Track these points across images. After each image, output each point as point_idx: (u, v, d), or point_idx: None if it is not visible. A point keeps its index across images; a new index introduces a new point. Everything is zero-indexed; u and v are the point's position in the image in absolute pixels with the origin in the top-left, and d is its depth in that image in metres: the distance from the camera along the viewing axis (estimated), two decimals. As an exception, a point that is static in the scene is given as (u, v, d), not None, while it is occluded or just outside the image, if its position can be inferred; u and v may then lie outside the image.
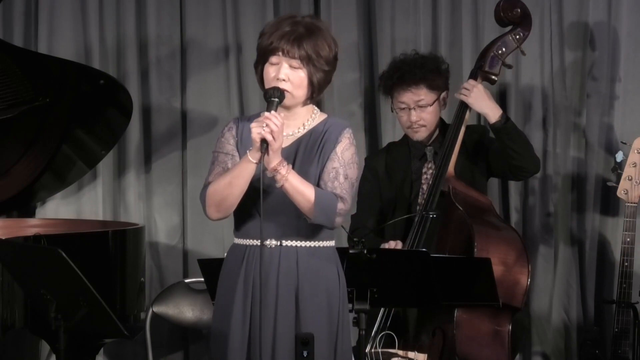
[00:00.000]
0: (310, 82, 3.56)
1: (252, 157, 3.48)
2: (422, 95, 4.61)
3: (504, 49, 4.65)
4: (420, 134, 4.66)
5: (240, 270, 3.61)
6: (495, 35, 4.76)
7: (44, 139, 5.02)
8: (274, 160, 3.47)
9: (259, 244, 3.58)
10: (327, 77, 3.61)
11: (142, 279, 4.94)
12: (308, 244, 3.60)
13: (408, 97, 4.61)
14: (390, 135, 5.20)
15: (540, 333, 5.24)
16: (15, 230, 5.03)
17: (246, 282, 3.59)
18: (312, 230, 3.59)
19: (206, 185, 3.61)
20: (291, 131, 3.60)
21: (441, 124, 4.71)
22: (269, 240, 3.57)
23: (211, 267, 4.17)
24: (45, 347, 5.26)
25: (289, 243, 3.59)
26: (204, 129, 5.43)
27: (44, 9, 5.33)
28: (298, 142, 3.61)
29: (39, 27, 5.34)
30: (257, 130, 3.43)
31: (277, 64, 3.55)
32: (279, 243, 3.58)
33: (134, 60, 5.40)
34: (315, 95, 3.61)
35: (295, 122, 3.62)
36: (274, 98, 3.51)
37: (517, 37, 4.66)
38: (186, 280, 5.16)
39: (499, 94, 5.18)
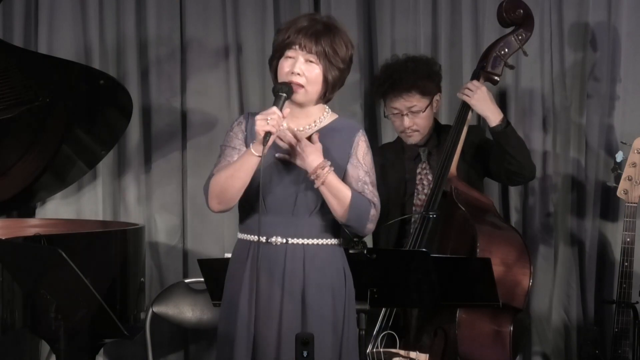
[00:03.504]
0: (325, 79, 3.55)
1: (255, 150, 3.45)
2: (415, 101, 4.59)
3: (506, 50, 4.64)
4: (414, 139, 4.65)
5: (245, 268, 3.57)
6: (496, 36, 4.76)
7: (44, 139, 5.01)
8: (315, 161, 3.45)
9: (263, 240, 3.55)
10: (342, 77, 3.59)
11: (142, 279, 4.94)
12: (315, 241, 3.57)
13: (400, 103, 4.60)
14: (390, 136, 5.19)
15: (540, 333, 5.24)
16: (15, 230, 5.03)
17: (251, 279, 3.56)
18: (318, 228, 3.57)
19: (210, 177, 3.58)
20: (302, 128, 3.58)
21: (435, 125, 4.70)
22: (274, 237, 3.54)
23: (211, 267, 4.17)
24: (45, 347, 5.26)
25: (295, 240, 3.56)
26: (204, 129, 5.42)
27: (44, 9, 5.33)
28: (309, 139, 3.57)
29: (39, 27, 5.33)
30: (261, 123, 3.41)
31: (293, 57, 3.52)
32: (285, 240, 3.55)
33: (134, 60, 5.40)
34: (329, 93, 3.59)
35: (307, 119, 3.60)
36: (281, 93, 3.48)
37: (520, 37, 4.65)
38: (186, 280, 5.15)
39: (499, 95, 5.17)
